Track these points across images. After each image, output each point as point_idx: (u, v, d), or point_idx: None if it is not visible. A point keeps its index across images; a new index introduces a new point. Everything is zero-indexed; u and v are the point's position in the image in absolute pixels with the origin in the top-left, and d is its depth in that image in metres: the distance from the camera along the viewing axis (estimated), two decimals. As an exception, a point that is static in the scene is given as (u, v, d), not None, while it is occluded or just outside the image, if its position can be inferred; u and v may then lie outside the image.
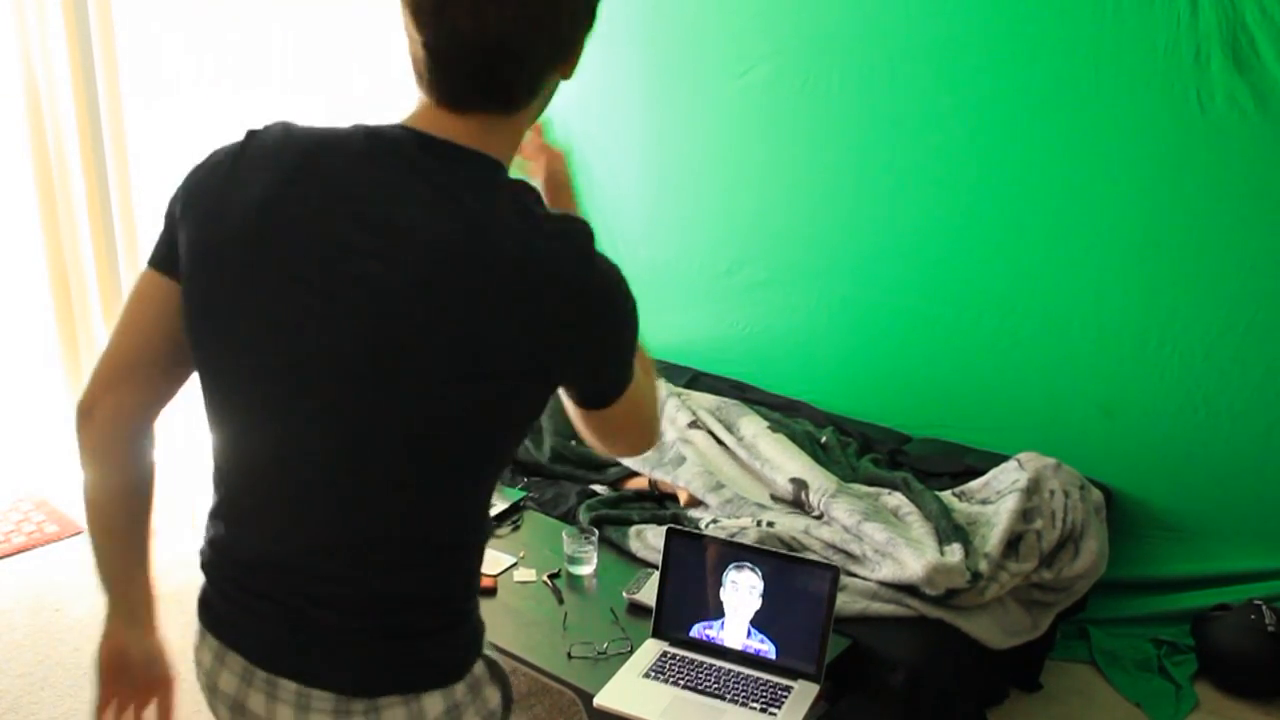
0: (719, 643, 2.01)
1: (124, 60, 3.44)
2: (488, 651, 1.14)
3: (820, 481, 2.50)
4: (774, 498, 2.57)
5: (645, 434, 1.17)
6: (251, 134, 1.04)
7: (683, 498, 2.62)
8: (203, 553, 1.13)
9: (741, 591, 2.00)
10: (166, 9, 3.50)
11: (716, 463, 2.68)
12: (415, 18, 0.97)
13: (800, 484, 2.53)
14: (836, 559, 2.26)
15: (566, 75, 1.05)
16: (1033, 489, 2.45)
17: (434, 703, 1.06)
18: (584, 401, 1.09)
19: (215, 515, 1.11)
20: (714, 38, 3.35)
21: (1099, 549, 2.43)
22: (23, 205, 3.42)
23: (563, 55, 1.02)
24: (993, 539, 2.29)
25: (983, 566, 2.21)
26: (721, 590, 2.02)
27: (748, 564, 2.01)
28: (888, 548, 2.23)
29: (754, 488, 2.62)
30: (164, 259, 1.06)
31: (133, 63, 3.47)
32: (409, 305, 0.94)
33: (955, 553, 2.20)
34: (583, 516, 2.45)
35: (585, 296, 0.98)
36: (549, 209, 1.01)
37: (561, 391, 1.09)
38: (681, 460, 2.69)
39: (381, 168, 0.98)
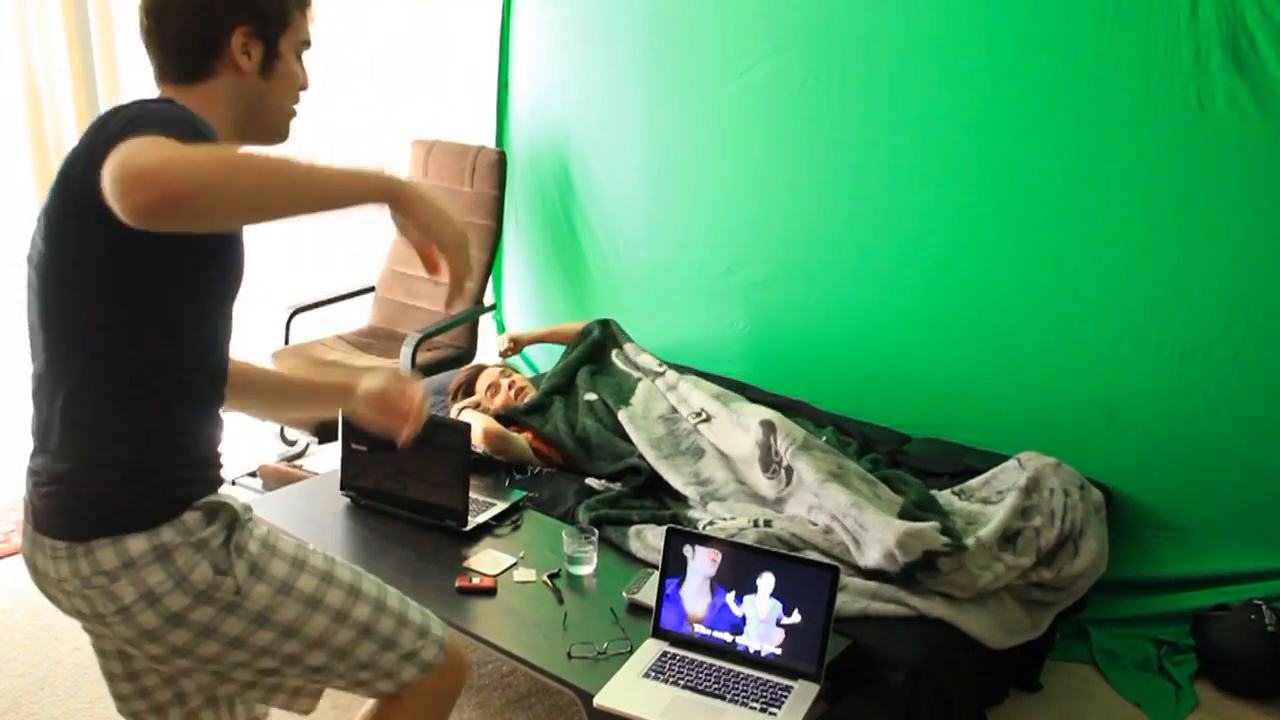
0: (725, 643, 2.01)
1: (124, 60, 3.45)
2: (204, 503, 1.35)
3: (789, 429, 2.53)
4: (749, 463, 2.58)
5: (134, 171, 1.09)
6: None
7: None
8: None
9: (762, 596, 2.00)
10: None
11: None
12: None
13: (769, 427, 2.55)
14: (837, 549, 2.27)
15: (256, 45, 1.39)
16: (1032, 487, 2.45)
17: (137, 543, 1.29)
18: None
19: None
20: (714, 37, 3.35)
21: (1099, 548, 2.43)
22: (23, 205, 3.42)
23: (229, 18, 1.36)
24: (988, 529, 2.29)
25: (969, 541, 2.20)
26: (746, 597, 2.01)
27: (767, 569, 2.00)
28: (851, 510, 2.23)
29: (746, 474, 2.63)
30: None
31: (133, 63, 3.47)
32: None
33: (928, 520, 2.21)
34: (582, 516, 2.45)
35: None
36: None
37: None
38: (701, 452, 2.70)
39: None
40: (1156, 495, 2.73)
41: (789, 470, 2.48)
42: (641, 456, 2.73)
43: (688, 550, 2.04)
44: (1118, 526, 2.67)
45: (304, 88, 1.47)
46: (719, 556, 2.03)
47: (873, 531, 2.19)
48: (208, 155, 1.11)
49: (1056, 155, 2.71)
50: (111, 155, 1.08)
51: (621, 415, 2.87)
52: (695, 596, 2.03)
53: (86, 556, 1.29)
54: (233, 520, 1.39)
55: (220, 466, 1.44)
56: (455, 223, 1.26)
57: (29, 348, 1.39)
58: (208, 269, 1.33)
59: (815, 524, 2.36)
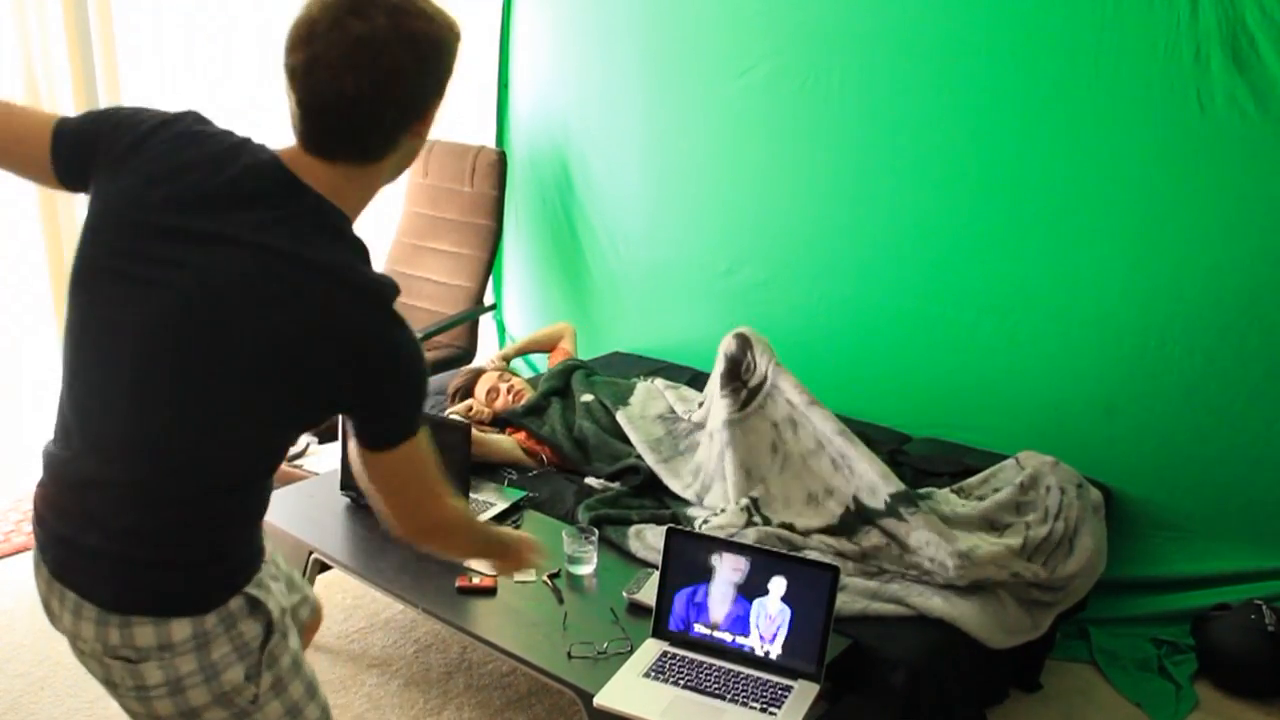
0: (726, 643, 2.01)
1: (124, 60, 3.45)
2: (253, 590, 1.31)
3: (767, 345, 2.60)
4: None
5: (419, 508, 1.34)
6: (171, 120, 1.24)
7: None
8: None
9: (773, 599, 2.00)
10: (166, 9, 3.50)
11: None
12: (290, 80, 1.19)
13: (743, 340, 2.60)
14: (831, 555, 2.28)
15: (420, 136, 1.26)
16: (1029, 484, 2.46)
17: (181, 628, 1.24)
18: (363, 438, 1.28)
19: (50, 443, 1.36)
20: (714, 37, 3.35)
21: (1095, 547, 2.43)
22: (23, 205, 3.42)
23: (412, 119, 1.23)
24: (969, 506, 2.36)
25: (943, 508, 2.33)
26: (756, 599, 2.02)
27: (779, 573, 2.00)
28: (836, 438, 2.38)
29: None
30: (70, 156, 1.26)
31: (133, 63, 3.47)
32: (214, 301, 1.18)
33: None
34: (582, 516, 2.45)
35: (374, 342, 1.22)
36: (368, 268, 1.25)
37: (351, 436, 1.29)
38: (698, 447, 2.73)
39: (235, 184, 1.20)
40: (1156, 495, 2.73)
41: (760, 389, 2.50)
42: (640, 456, 2.73)
43: (715, 559, 2.04)
44: (1117, 526, 2.67)
45: None
46: (743, 564, 2.03)
47: (857, 464, 2.28)
48: (473, 539, 1.50)
49: (1056, 155, 2.71)
50: (385, 475, 1.29)
51: (620, 416, 2.87)
52: (719, 604, 2.03)
53: (121, 629, 1.24)
54: (269, 622, 1.34)
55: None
56: (514, 569, 1.59)
57: (82, 392, 1.26)
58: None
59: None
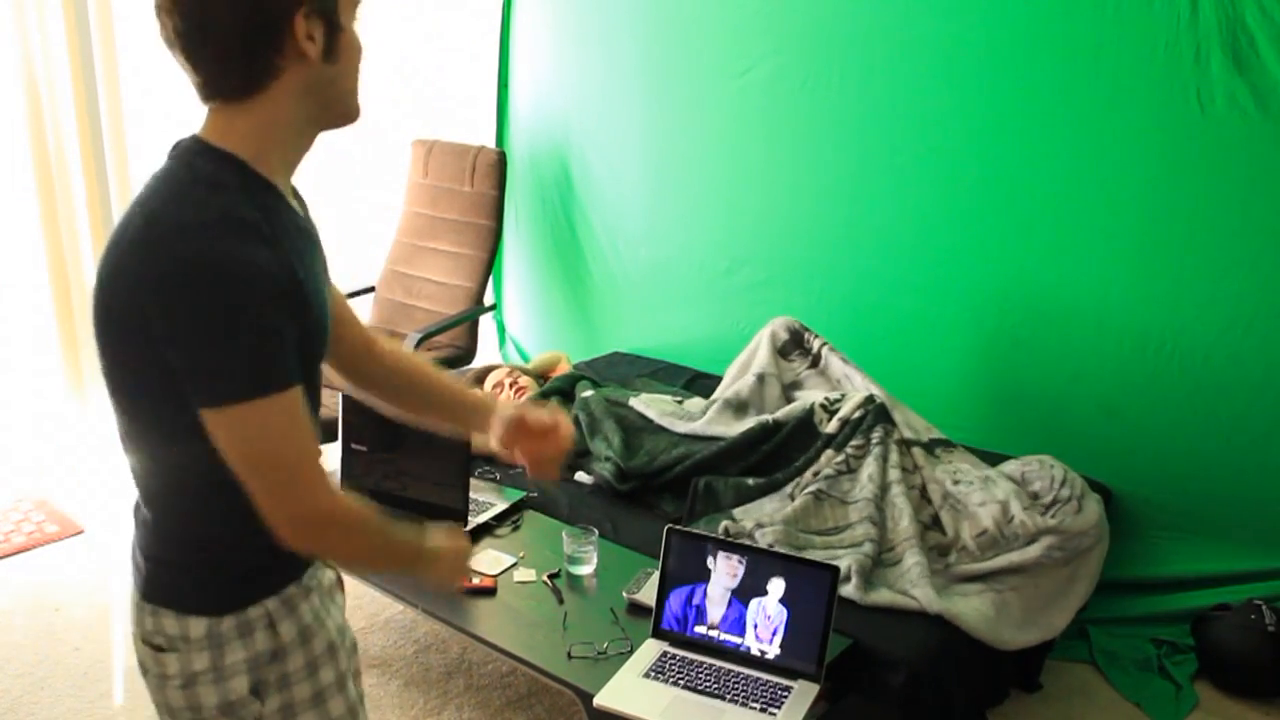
0: (726, 643, 2.01)
1: (124, 60, 3.45)
2: (274, 606, 1.27)
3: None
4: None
5: (287, 494, 1.15)
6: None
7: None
8: None
9: (771, 600, 2.00)
10: (166, 9, 3.49)
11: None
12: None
13: (799, 326, 2.96)
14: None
15: (304, 55, 1.13)
16: (1029, 463, 2.59)
17: (198, 625, 1.25)
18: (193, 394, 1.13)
19: None
20: (714, 36, 3.35)
21: (1101, 513, 2.47)
22: (23, 206, 3.42)
23: (265, 36, 1.11)
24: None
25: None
26: (754, 600, 2.02)
27: (778, 574, 2.00)
28: (848, 369, 2.83)
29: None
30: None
31: (133, 63, 3.47)
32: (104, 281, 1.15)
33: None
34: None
35: (170, 269, 1.08)
36: (212, 191, 1.12)
37: None
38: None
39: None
40: (1156, 495, 2.73)
41: (816, 357, 2.91)
42: (645, 451, 2.73)
43: (711, 561, 2.04)
44: (1117, 526, 2.67)
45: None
46: (738, 564, 2.03)
47: (905, 411, 2.67)
48: (363, 536, 1.23)
49: (1056, 155, 2.71)
50: (229, 453, 1.12)
51: (632, 401, 2.92)
52: (716, 605, 2.03)
53: (152, 615, 1.27)
54: (280, 646, 1.28)
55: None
56: (449, 583, 1.49)
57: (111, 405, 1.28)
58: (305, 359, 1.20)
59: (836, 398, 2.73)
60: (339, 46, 1.17)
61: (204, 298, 1.06)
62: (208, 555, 1.26)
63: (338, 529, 1.20)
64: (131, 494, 1.30)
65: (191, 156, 1.15)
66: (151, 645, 1.27)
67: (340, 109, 1.22)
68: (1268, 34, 2.34)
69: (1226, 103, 2.43)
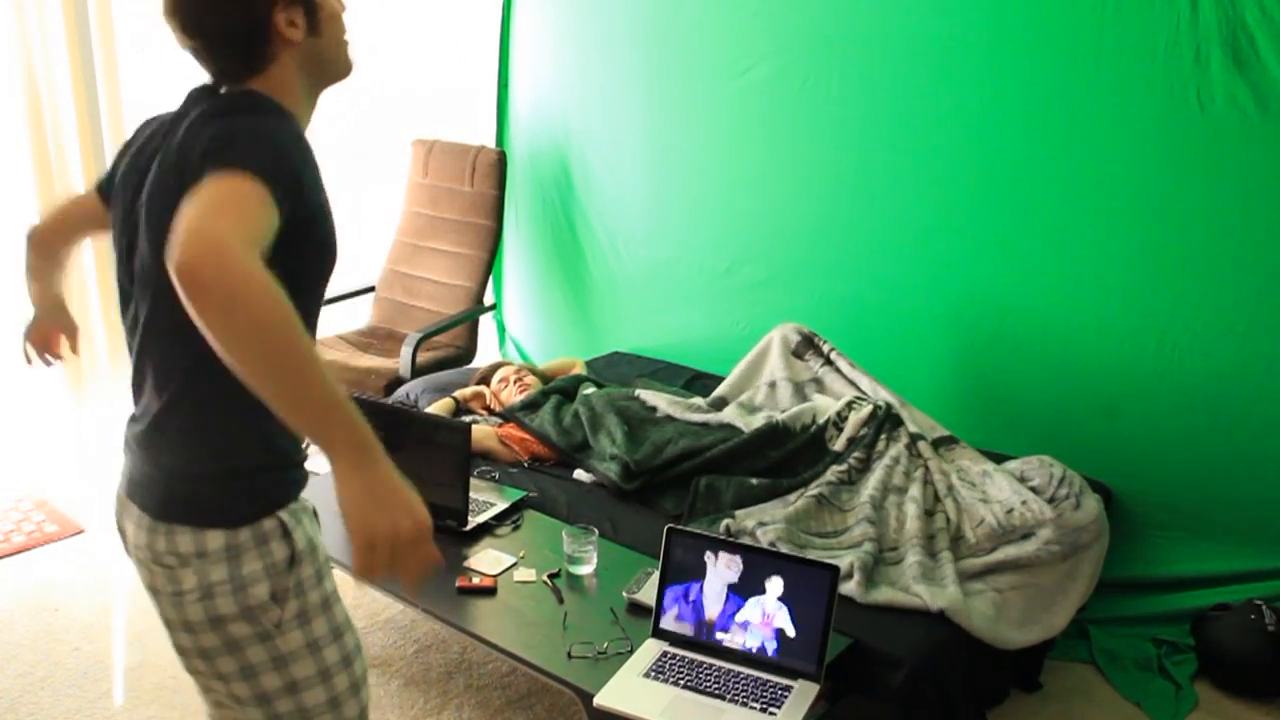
0: (725, 643, 2.01)
1: (124, 60, 3.45)
2: (286, 516, 1.35)
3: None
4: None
5: (201, 220, 1.07)
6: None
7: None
8: None
9: (770, 598, 2.00)
10: (166, 9, 3.49)
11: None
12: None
13: (809, 331, 3.01)
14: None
15: (295, 25, 1.33)
16: (1028, 463, 2.59)
17: (215, 538, 1.31)
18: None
19: None
20: (714, 37, 3.35)
21: (1100, 509, 2.47)
22: (23, 206, 3.42)
23: (258, 15, 1.30)
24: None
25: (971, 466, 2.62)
26: (752, 599, 2.02)
27: (776, 573, 2.00)
28: (855, 374, 2.87)
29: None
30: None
31: (133, 63, 3.47)
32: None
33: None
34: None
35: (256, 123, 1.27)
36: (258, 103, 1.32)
37: None
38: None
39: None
40: (1156, 495, 2.73)
41: (827, 359, 2.96)
42: (652, 443, 2.72)
43: (711, 560, 2.04)
44: (1118, 526, 2.67)
45: (343, 9, 1.43)
46: (737, 563, 2.03)
47: (906, 411, 2.69)
48: (272, 300, 1.05)
49: (1056, 155, 2.71)
50: (200, 194, 1.11)
51: (640, 393, 2.95)
52: (713, 602, 2.03)
53: (166, 535, 1.33)
54: (294, 552, 1.35)
55: (305, 458, 1.43)
56: (370, 523, 1.12)
57: (127, 342, 1.40)
58: (307, 264, 1.29)
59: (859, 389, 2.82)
60: (320, 20, 1.36)
61: (271, 131, 1.26)
62: (225, 461, 1.32)
63: (255, 282, 1.05)
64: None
65: (239, 93, 1.33)
66: (163, 565, 1.33)
67: (334, 69, 1.42)
68: (1268, 34, 2.34)
69: (1226, 103, 2.43)
